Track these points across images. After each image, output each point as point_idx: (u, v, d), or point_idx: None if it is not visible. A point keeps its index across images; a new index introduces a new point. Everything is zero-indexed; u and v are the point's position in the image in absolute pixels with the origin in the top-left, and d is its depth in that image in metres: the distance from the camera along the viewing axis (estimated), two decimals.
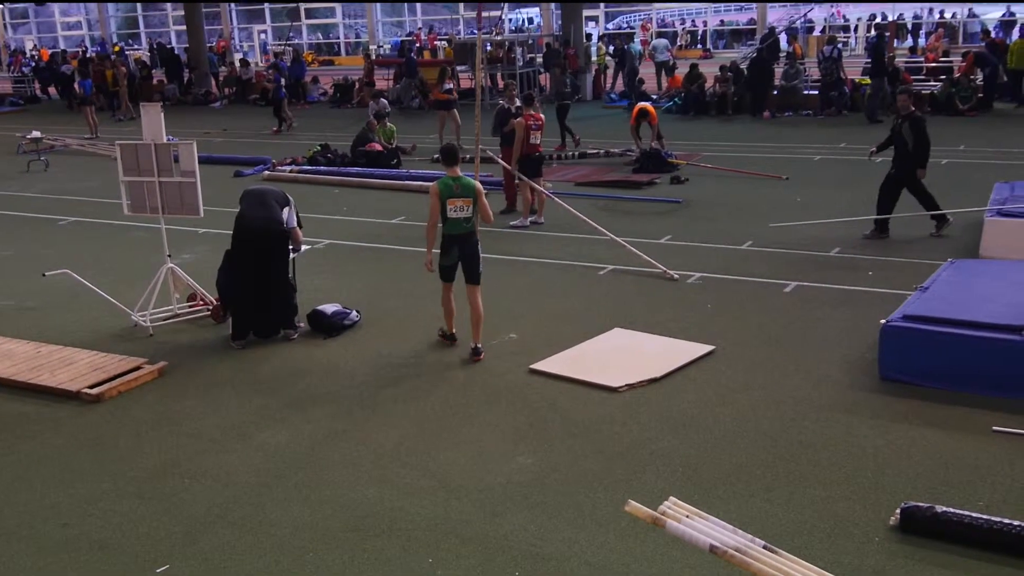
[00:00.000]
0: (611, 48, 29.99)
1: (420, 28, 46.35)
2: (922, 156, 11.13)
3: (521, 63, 28.04)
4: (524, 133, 12.46)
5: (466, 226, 8.08)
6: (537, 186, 12.58)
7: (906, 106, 11.35)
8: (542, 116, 12.99)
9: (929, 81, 23.48)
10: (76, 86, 30.10)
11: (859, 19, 40.70)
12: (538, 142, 12.71)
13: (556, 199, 12.40)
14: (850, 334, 8.26)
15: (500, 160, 13.02)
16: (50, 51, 44.12)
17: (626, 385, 7.35)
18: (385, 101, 19.17)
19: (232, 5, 47.50)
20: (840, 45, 24.07)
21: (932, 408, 6.78)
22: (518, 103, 13.60)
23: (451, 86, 19.96)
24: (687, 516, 4.06)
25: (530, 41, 30.74)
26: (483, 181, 15.10)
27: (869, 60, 22.94)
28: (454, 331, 8.51)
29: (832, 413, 6.80)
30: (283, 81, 24.80)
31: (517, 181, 12.74)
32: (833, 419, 6.71)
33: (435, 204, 7.98)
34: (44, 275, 9.54)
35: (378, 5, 45.13)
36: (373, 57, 33.43)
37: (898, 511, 5.26)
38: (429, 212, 8.12)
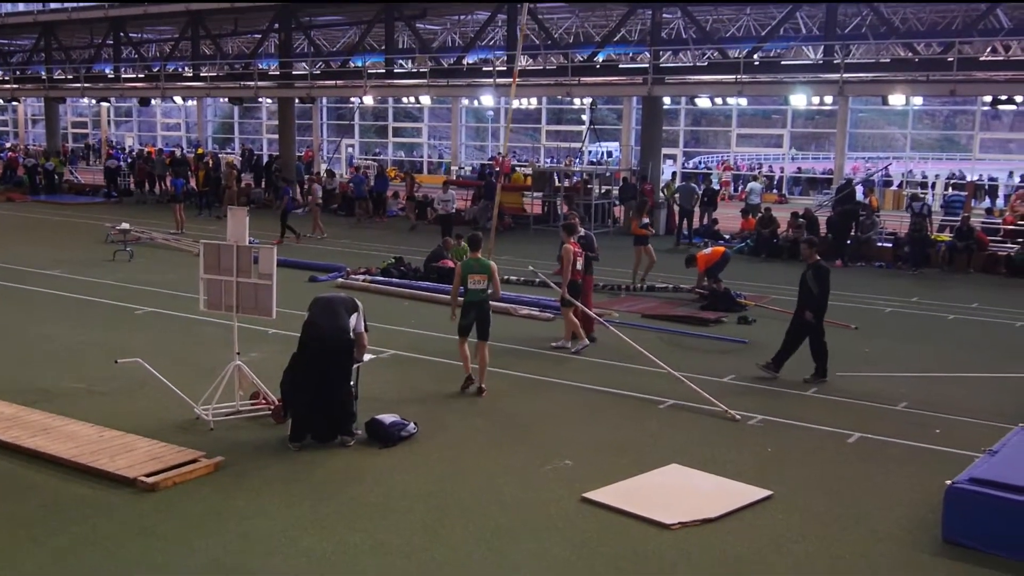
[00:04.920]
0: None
1: (500, 153, 47.61)
2: (820, 302, 11.62)
3: (597, 195, 28.51)
4: (574, 260, 12.73)
5: (482, 295, 10.67)
6: (588, 310, 12.92)
7: (810, 255, 11.95)
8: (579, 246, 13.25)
9: (1006, 243, 23.24)
10: (168, 184, 31.39)
11: (937, 176, 40.72)
12: (580, 268, 12.92)
13: (612, 328, 12.47)
14: (913, 492, 8.03)
15: (556, 285, 13.37)
16: (156, 149, 46.45)
17: (679, 523, 7.22)
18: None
19: (324, 118, 49.43)
20: (930, 201, 23.98)
21: None
22: (581, 231, 13.86)
23: (648, 221, 19.27)
24: None
25: (607, 174, 31.31)
26: (550, 306, 15.35)
27: (947, 217, 22.88)
28: (469, 373, 10.74)
29: (890, 574, 6.58)
30: (292, 194, 24.67)
31: (565, 306, 12.98)
32: None
33: (458, 279, 10.88)
34: (116, 362, 9.81)
35: (462, 129, 46.58)
36: (454, 177, 34.30)
37: None
38: (454, 282, 11.05)
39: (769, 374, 11.69)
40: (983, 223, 24.68)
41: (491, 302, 10.90)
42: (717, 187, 35.74)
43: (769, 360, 11.81)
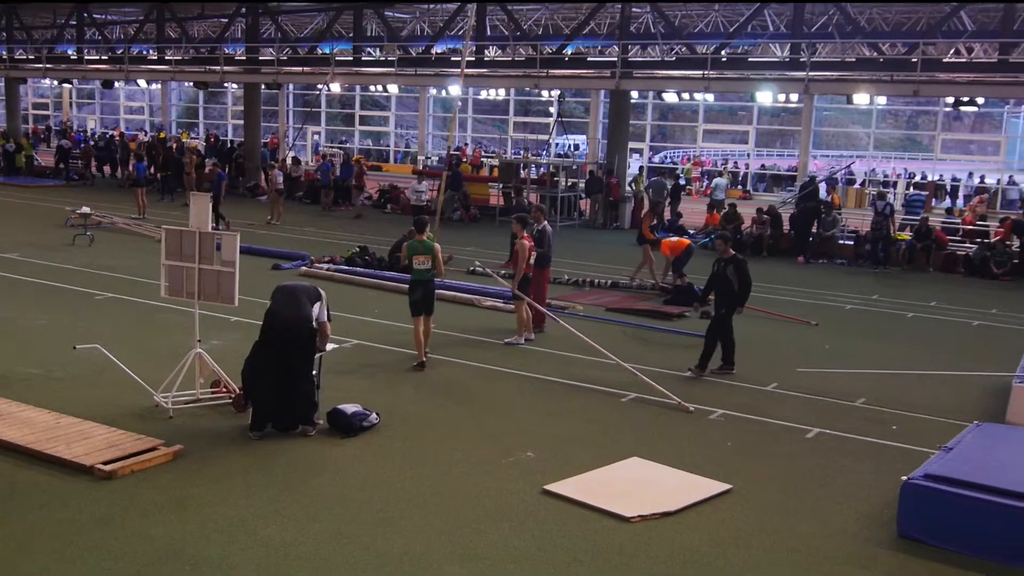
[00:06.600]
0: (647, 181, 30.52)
1: (467, 144, 47.50)
2: (744, 294, 11.84)
3: (563, 188, 28.54)
4: (528, 254, 12.75)
5: (427, 275, 11.40)
6: (536, 304, 13.01)
7: (725, 250, 12.14)
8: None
9: (965, 243, 23.58)
10: (131, 168, 30.99)
11: (899, 175, 41.20)
12: (531, 262, 12.98)
13: (561, 321, 12.50)
14: (870, 487, 8.14)
15: (504, 280, 13.46)
16: (125, 133, 45.90)
17: (639, 516, 7.26)
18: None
19: (290, 105, 49.04)
20: (891, 200, 24.19)
21: (950, 571, 6.62)
22: (545, 223, 13.88)
23: (656, 222, 19.18)
24: None
25: (574, 167, 31.35)
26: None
27: (907, 216, 23.18)
28: (424, 359, 11.37)
29: (846, 568, 6.66)
30: (225, 180, 24.38)
31: (515, 301, 13.04)
32: (847, 574, 6.57)
33: (404, 258, 11.74)
34: (75, 347, 9.68)
35: (430, 119, 46.40)
36: (421, 168, 34.20)
37: None
38: (400, 258, 12.47)
39: (726, 373, 11.75)
40: (943, 223, 25.01)
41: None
42: (684, 182, 35.95)
43: (722, 363, 11.83)
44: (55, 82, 46.66)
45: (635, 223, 27.79)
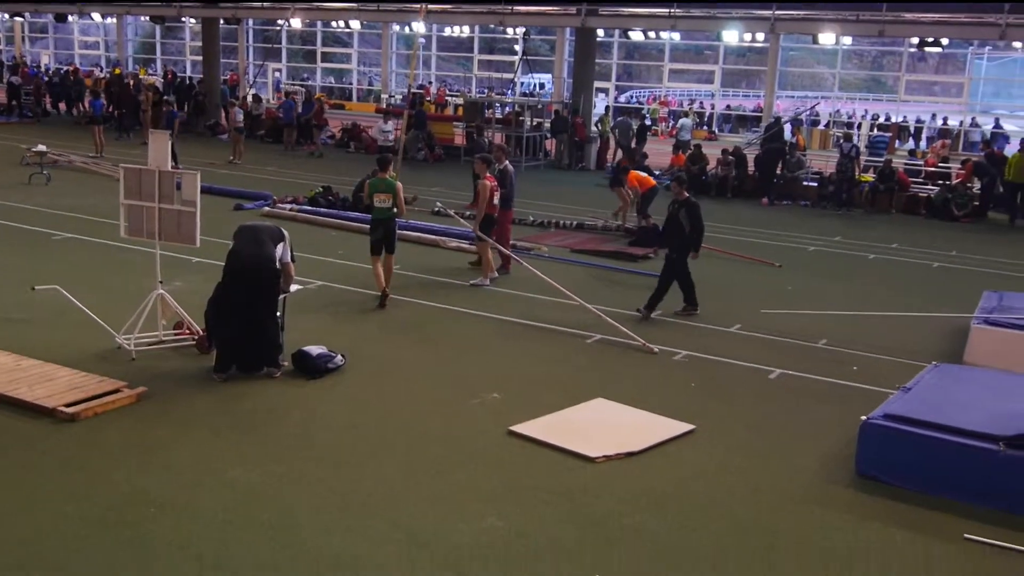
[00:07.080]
0: (613, 121, 30.38)
1: (431, 82, 46.92)
2: (696, 239, 11.69)
3: (528, 127, 28.34)
4: (489, 195, 12.71)
5: (388, 213, 11.43)
6: (498, 246, 12.97)
7: (679, 192, 11.94)
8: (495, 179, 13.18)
9: (927, 185, 23.77)
10: (87, 105, 30.36)
11: (863, 117, 41.32)
12: (496, 203, 12.94)
13: (524, 263, 12.50)
14: (830, 426, 8.26)
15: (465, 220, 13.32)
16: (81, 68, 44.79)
17: (604, 456, 7.33)
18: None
19: (250, 41, 48.05)
20: (856, 142, 24.24)
21: (906, 509, 6.76)
22: (507, 163, 13.82)
23: (627, 166, 19.06)
24: None
25: (539, 106, 31.12)
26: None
27: (870, 158, 23.34)
28: (385, 292, 11.38)
29: (806, 505, 6.79)
30: (178, 118, 24.55)
31: (479, 241, 13.03)
32: (807, 511, 6.69)
33: (366, 197, 11.79)
34: (33, 288, 9.52)
35: (393, 57, 45.74)
36: (384, 107, 33.80)
37: None
38: (363, 196, 12.38)
39: (689, 314, 11.76)
40: (906, 164, 25.17)
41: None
42: (650, 123, 35.85)
43: (684, 305, 11.80)
44: (6, 15, 45.41)
45: (601, 164, 27.79)
